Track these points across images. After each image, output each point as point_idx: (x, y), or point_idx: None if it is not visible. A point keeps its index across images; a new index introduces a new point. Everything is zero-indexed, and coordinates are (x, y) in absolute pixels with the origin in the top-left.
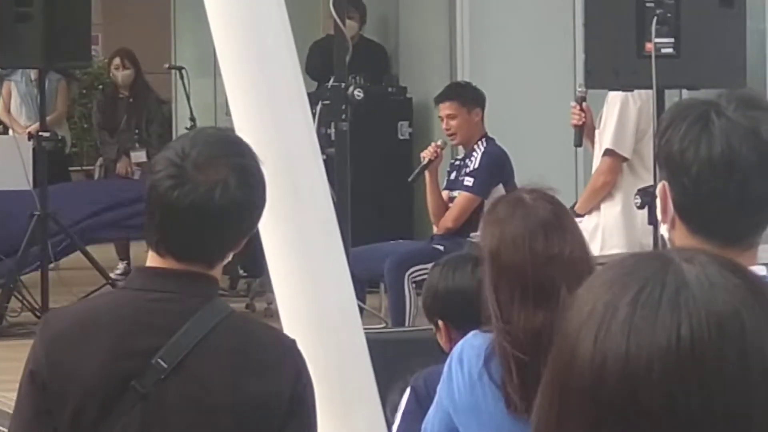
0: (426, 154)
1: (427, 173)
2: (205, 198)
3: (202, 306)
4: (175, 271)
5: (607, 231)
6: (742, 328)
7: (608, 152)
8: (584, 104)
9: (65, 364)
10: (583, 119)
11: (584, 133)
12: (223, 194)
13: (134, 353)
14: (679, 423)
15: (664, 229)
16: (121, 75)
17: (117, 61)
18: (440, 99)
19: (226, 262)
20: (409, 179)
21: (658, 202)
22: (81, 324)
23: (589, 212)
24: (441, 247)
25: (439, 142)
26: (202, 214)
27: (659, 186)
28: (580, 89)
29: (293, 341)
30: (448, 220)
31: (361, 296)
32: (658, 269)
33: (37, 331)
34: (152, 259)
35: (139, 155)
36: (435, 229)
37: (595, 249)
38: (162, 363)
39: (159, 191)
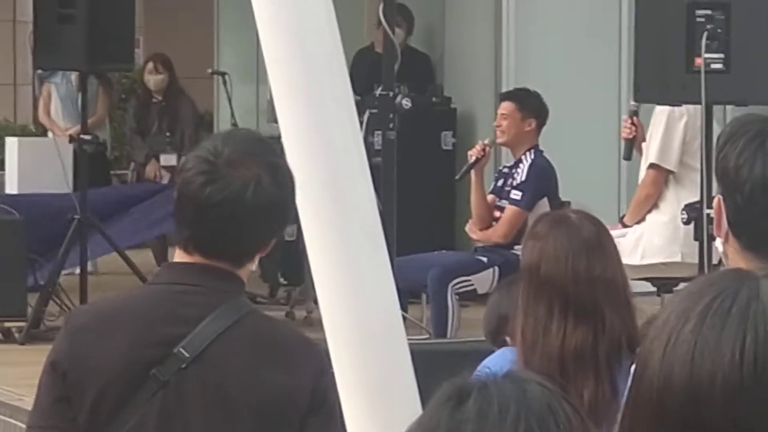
0: (473, 153)
1: (473, 173)
2: (237, 194)
3: (225, 300)
4: (203, 265)
5: (648, 240)
6: None
7: (652, 166)
8: (635, 118)
9: (88, 353)
10: (634, 133)
11: (634, 146)
12: (256, 191)
13: (157, 342)
14: (741, 429)
15: (718, 242)
16: (154, 80)
17: (150, 65)
18: (502, 97)
19: (253, 265)
20: (456, 177)
21: (713, 215)
22: (106, 316)
23: (637, 223)
24: (485, 259)
25: (486, 141)
26: (235, 210)
27: (715, 200)
28: (632, 103)
29: (317, 342)
30: (498, 236)
31: (403, 306)
32: (734, 281)
33: (63, 324)
34: (180, 256)
35: (169, 158)
36: (474, 235)
37: (636, 258)
38: (184, 352)
39: (191, 188)
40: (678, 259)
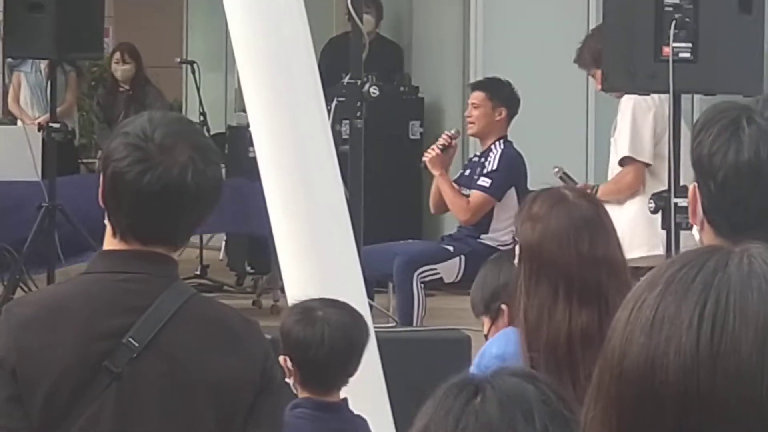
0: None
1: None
2: (179, 180)
3: (167, 286)
4: (142, 252)
5: (627, 234)
6: (767, 318)
7: (627, 160)
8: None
9: (36, 348)
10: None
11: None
12: (194, 175)
13: (105, 334)
14: (692, 400)
15: (695, 230)
16: (121, 69)
17: (117, 56)
18: (473, 87)
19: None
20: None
21: (687, 203)
22: (50, 308)
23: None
24: (451, 248)
25: (452, 131)
26: (178, 196)
27: (690, 187)
28: (555, 170)
29: (257, 322)
30: (461, 216)
31: (370, 294)
32: (705, 254)
33: (1, 320)
34: (114, 243)
35: None
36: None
37: None
38: (133, 342)
39: (128, 177)
40: (660, 252)
